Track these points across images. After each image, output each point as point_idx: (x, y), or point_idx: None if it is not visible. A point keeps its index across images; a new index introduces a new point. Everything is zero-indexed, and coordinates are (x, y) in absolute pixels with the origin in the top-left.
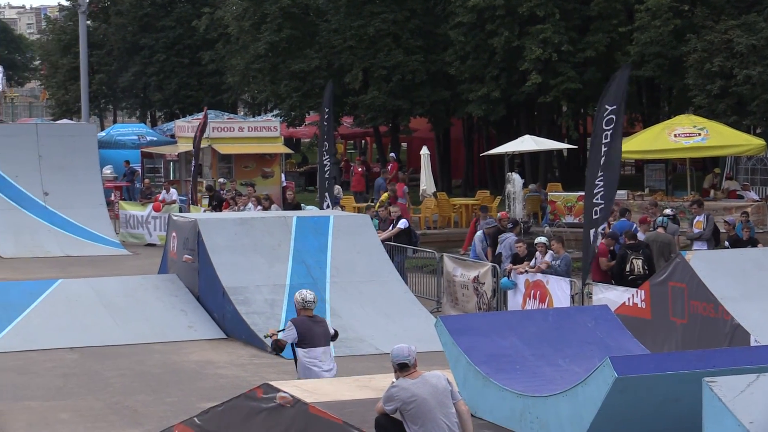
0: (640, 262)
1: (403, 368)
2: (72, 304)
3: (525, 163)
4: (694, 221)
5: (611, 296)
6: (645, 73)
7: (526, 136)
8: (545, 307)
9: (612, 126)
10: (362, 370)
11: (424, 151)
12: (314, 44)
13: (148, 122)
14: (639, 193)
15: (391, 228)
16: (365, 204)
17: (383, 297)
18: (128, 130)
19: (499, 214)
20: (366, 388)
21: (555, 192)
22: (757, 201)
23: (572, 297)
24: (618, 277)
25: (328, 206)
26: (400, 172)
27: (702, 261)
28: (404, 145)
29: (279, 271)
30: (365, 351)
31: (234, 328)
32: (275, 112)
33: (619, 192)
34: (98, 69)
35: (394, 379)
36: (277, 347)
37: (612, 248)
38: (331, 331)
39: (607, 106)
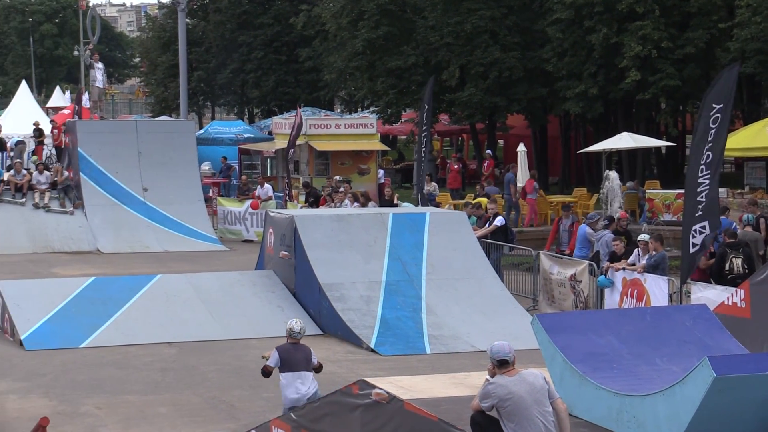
0: (739, 260)
1: (502, 365)
2: (170, 299)
3: (622, 160)
4: None
5: (710, 295)
6: (746, 69)
7: (624, 134)
8: (643, 305)
9: (717, 124)
10: (458, 367)
11: (521, 148)
12: (411, 41)
13: (246, 119)
14: (739, 191)
15: (487, 225)
16: (463, 201)
17: (479, 294)
18: (226, 126)
19: (618, 214)
20: (461, 386)
21: (653, 189)
22: None
23: (670, 296)
24: (717, 275)
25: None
26: (497, 170)
27: None
28: (501, 142)
29: (375, 268)
30: (461, 348)
31: (330, 324)
32: (372, 109)
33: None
34: (197, 66)
35: (488, 377)
36: (264, 373)
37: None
38: (315, 362)
39: (714, 105)
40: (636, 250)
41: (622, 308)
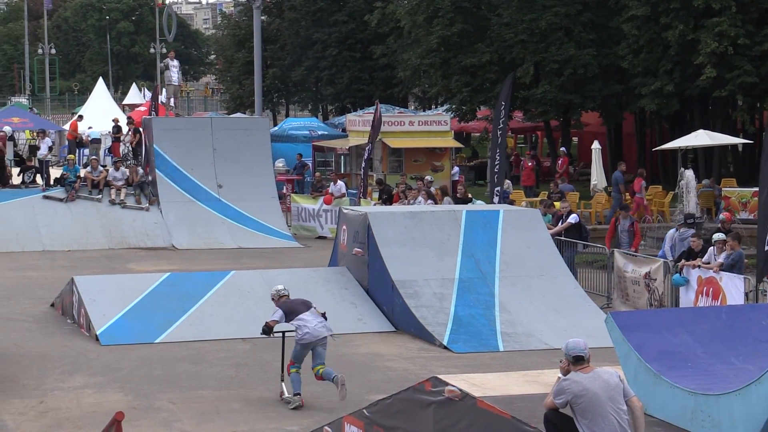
0: None
1: (577, 361)
2: (244, 295)
3: (698, 158)
4: None
5: None
6: None
7: (700, 131)
8: (718, 304)
9: None
10: (531, 365)
11: (596, 145)
12: (485, 38)
13: (320, 116)
14: None
15: (561, 223)
16: (537, 198)
17: (553, 292)
18: (300, 123)
19: (722, 216)
20: (535, 383)
21: (729, 188)
22: None
23: (746, 294)
24: None
25: (497, 201)
26: (571, 167)
27: None
28: (575, 139)
29: (448, 265)
30: (534, 346)
31: (403, 321)
32: (446, 106)
33: None
34: (272, 63)
35: (561, 374)
36: (267, 329)
37: None
38: (314, 306)
39: None
40: (711, 248)
41: (697, 307)
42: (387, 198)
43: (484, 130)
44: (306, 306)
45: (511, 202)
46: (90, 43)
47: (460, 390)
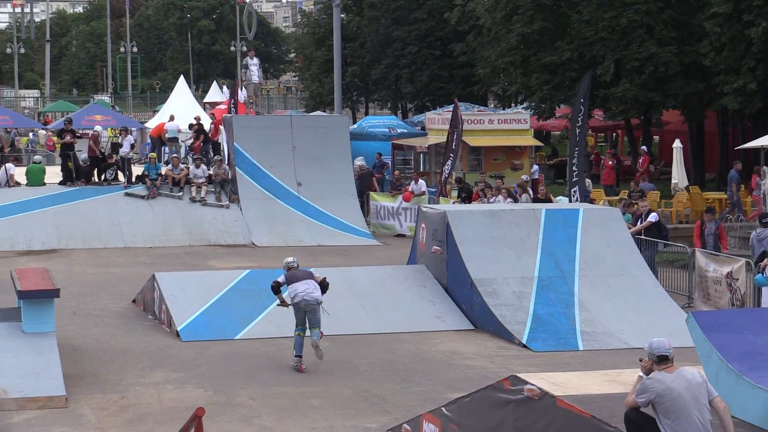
0: None
1: (661, 360)
2: None
3: None
4: None
5: None
6: None
7: None
8: None
9: None
10: (611, 364)
11: (677, 144)
12: (566, 36)
13: (399, 114)
14: None
15: (640, 222)
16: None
17: (633, 291)
18: (379, 121)
19: None
20: (614, 383)
21: None
22: None
23: None
24: None
25: (577, 199)
26: (652, 166)
27: None
28: (656, 137)
29: (527, 264)
30: (614, 345)
31: (481, 319)
32: (525, 104)
33: None
34: (351, 62)
35: (641, 374)
36: (274, 285)
37: None
38: (318, 276)
39: None
40: None
41: None
42: (466, 196)
43: (563, 129)
44: (307, 275)
45: (591, 201)
46: (171, 41)
47: (540, 389)
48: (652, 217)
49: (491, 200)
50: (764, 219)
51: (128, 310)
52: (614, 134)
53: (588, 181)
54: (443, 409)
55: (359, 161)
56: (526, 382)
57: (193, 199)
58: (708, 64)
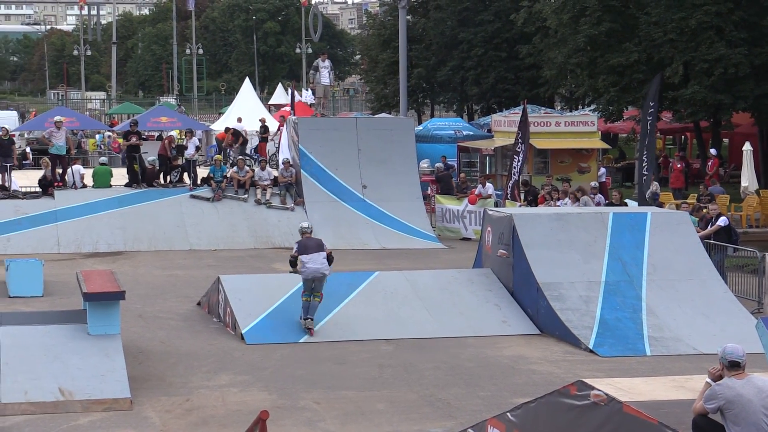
0: None
1: (733, 366)
2: (388, 296)
3: None
4: None
5: None
6: None
7: None
8: None
9: None
10: (678, 370)
11: (747, 147)
12: (633, 37)
13: (465, 116)
14: None
15: (710, 226)
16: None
17: (701, 296)
18: (445, 124)
19: None
20: (682, 389)
21: None
22: None
23: None
24: None
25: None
26: (721, 169)
27: None
28: (725, 140)
29: (594, 268)
30: (682, 351)
31: (548, 323)
32: (592, 106)
33: None
34: (417, 63)
35: (709, 380)
36: (292, 260)
37: None
38: (327, 247)
39: None
40: None
41: None
42: (532, 199)
43: (631, 131)
44: (318, 246)
45: (660, 205)
46: (236, 43)
47: (606, 394)
48: (722, 221)
49: (558, 203)
50: None
51: (193, 312)
52: (683, 137)
53: (656, 184)
54: (508, 414)
55: (424, 164)
56: (593, 388)
57: (258, 202)
58: None
